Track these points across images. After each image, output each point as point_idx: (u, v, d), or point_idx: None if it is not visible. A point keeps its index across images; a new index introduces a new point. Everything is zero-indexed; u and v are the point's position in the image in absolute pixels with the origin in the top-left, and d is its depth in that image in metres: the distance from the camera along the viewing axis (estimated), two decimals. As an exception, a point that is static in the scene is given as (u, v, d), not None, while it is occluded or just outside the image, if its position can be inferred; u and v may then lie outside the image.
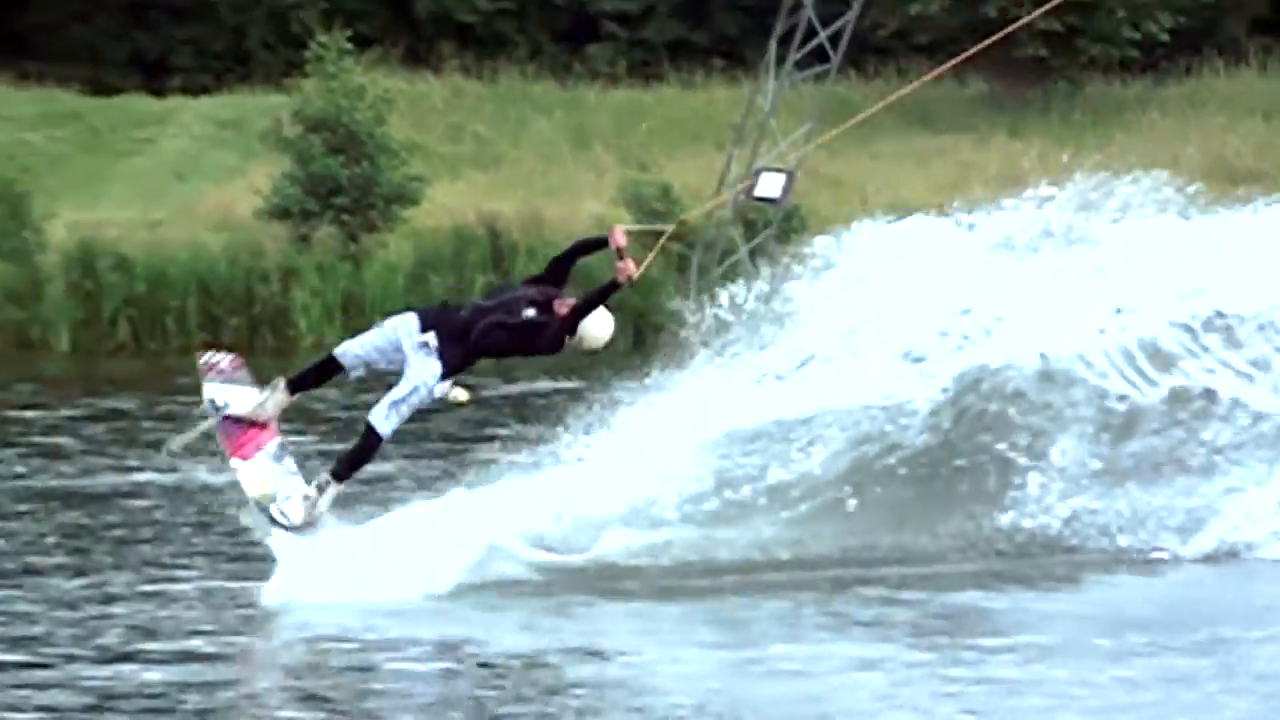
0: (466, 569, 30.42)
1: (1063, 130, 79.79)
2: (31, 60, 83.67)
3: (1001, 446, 34.24)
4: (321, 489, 29.20)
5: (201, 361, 30.62)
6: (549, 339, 29.34)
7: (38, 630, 27.43)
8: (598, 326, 29.15)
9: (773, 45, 67.75)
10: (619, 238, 28.90)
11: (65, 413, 51.64)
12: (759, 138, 66.88)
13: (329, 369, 29.79)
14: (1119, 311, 35.53)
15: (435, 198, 72.21)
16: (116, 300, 68.68)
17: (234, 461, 29.51)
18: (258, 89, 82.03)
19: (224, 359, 30.72)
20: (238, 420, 29.76)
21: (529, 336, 29.39)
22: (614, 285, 28.89)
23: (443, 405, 29.41)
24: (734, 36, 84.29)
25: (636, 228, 31.05)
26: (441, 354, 29.44)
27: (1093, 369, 35.07)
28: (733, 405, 34.21)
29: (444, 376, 29.49)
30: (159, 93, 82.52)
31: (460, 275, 69.79)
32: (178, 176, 75.55)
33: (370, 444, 29.37)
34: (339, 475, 29.28)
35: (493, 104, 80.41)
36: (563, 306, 29.22)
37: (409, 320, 29.57)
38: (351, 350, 29.57)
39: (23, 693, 24.25)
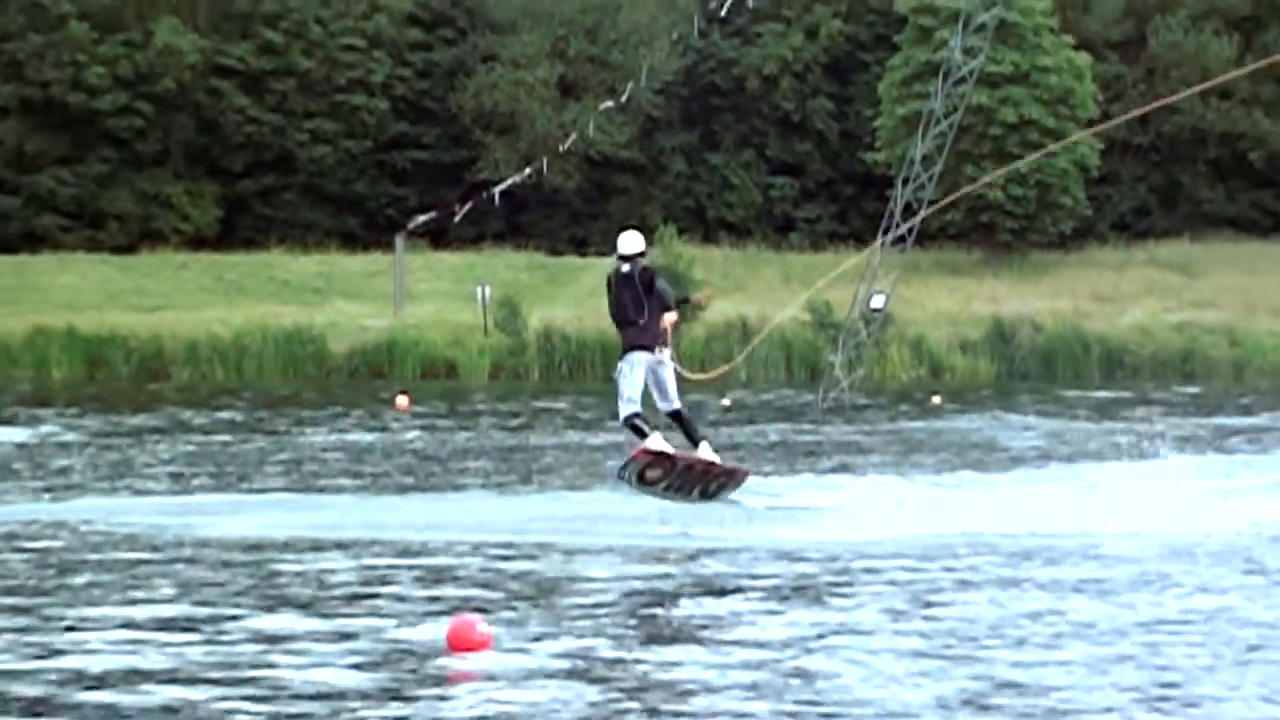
0: None
1: (1021, 274, 77.80)
2: (524, 236, 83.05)
3: None
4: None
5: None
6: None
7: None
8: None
9: (880, 233, 66.11)
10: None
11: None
12: (873, 278, 65.13)
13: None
14: None
15: (714, 306, 70.74)
16: (562, 355, 68.31)
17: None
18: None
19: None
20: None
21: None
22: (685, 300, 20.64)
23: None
24: (862, 229, 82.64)
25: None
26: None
27: None
28: None
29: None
30: (584, 254, 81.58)
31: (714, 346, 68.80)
32: (592, 295, 75.00)
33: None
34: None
35: (743, 263, 78.99)
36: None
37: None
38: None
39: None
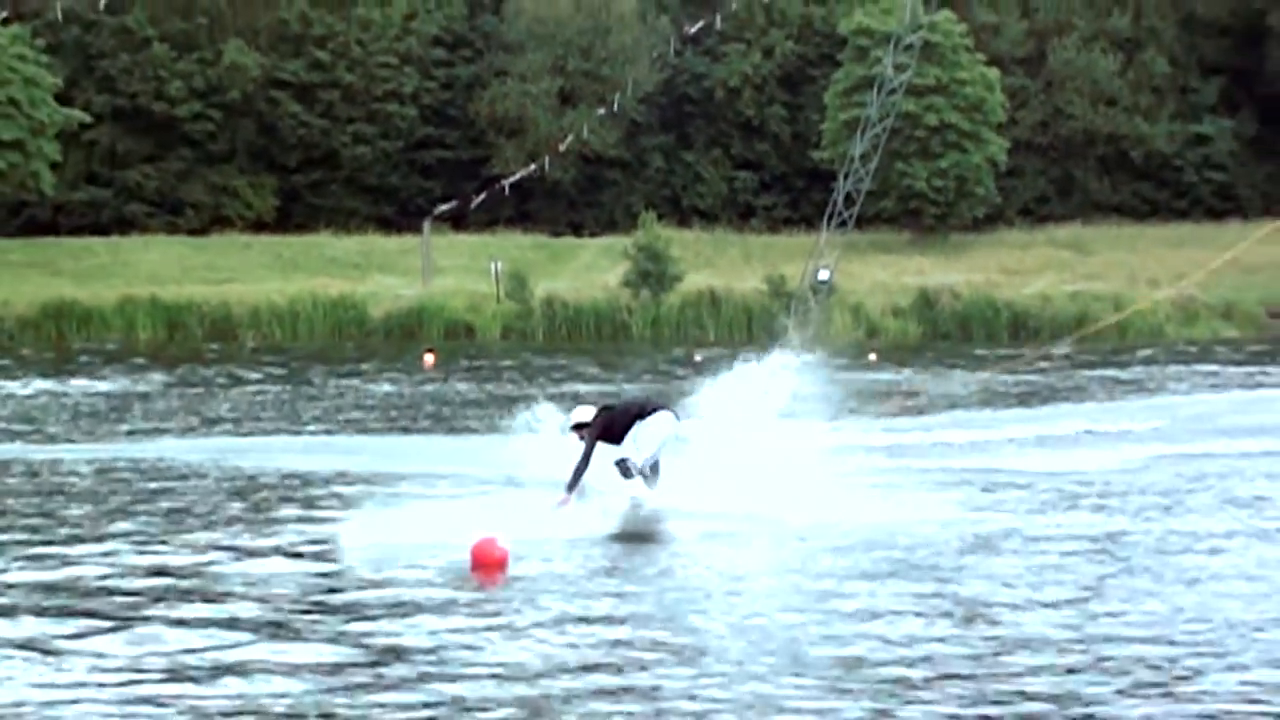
0: None
1: (943, 252, 77.59)
2: (530, 221, 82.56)
3: None
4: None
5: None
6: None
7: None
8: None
9: (826, 218, 66.01)
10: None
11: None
12: (819, 256, 65.12)
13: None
14: None
15: (688, 279, 70.45)
16: (561, 319, 68.05)
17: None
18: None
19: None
20: None
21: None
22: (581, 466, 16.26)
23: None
24: (811, 215, 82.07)
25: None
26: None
27: None
28: None
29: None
30: (580, 235, 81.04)
31: (699, 317, 68.11)
32: (588, 270, 74.09)
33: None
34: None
35: (712, 244, 78.23)
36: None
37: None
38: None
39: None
